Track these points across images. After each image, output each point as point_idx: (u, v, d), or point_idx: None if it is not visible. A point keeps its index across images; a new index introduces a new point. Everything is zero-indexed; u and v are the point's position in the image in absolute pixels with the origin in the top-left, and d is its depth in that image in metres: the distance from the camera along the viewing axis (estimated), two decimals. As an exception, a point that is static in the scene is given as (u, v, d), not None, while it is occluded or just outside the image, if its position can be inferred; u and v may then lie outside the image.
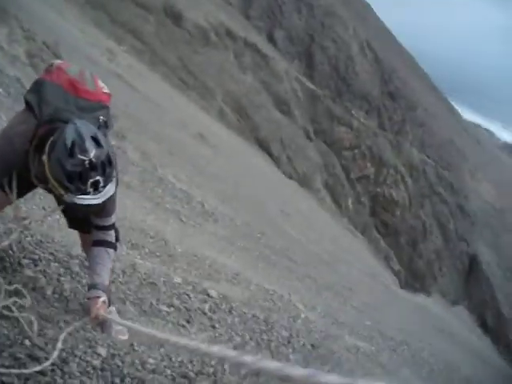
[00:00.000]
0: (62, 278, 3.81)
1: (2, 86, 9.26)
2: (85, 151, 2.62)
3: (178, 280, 5.43)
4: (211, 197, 13.13)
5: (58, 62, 3.36)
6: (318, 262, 15.90)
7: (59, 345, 2.96)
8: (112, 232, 3.36)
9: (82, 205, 2.69)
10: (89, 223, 3.28)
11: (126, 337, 3.74)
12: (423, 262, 37.34)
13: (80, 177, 2.61)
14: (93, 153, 2.64)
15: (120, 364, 3.31)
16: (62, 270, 3.93)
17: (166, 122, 19.98)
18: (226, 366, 4.06)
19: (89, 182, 2.63)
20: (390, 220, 37.25)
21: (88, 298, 3.26)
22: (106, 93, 3.31)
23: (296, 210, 23.91)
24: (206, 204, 11.56)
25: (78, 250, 4.05)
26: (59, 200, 3.00)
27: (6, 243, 3.27)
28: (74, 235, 3.83)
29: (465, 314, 38.23)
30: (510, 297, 41.15)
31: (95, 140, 2.71)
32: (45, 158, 2.71)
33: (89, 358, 3.21)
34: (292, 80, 38.08)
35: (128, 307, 4.17)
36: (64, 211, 3.35)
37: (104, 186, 2.72)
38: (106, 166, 2.71)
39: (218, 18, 33.46)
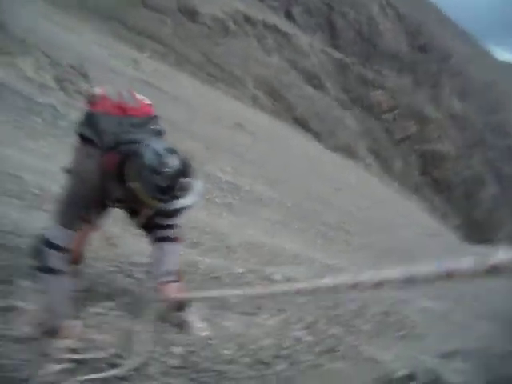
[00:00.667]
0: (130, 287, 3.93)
1: (36, 114, 9.49)
2: (166, 165, 2.83)
3: (239, 270, 5.46)
4: (258, 183, 13.15)
5: (97, 90, 3.43)
6: (375, 229, 15.74)
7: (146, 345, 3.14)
8: (176, 230, 3.54)
9: (180, 208, 2.94)
10: (155, 223, 3.45)
11: (206, 333, 3.85)
12: (482, 212, 36.50)
13: (170, 187, 2.84)
14: (173, 162, 2.87)
15: (197, 360, 3.38)
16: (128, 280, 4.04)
17: (200, 119, 20.06)
18: (301, 346, 4.09)
19: (178, 188, 2.86)
20: (441, 176, 36.55)
21: (160, 284, 3.36)
22: (148, 104, 3.46)
23: (344, 181, 23.71)
24: (254, 191, 11.61)
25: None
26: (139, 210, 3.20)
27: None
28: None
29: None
30: None
31: (168, 150, 2.93)
32: (134, 184, 2.90)
33: (166, 359, 3.30)
34: (318, 53, 37.69)
35: (193, 304, 4.23)
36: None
37: (192, 186, 2.96)
38: (186, 168, 2.95)
39: (234, 6, 33.34)
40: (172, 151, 2.96)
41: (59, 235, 3.05)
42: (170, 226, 3.50)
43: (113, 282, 4.25)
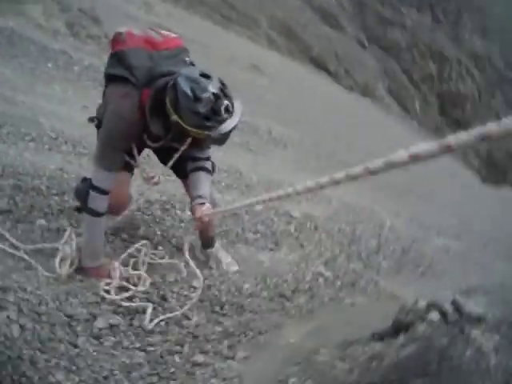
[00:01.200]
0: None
1: (50, 60, 9.41)
2: (205, 90, 2.80)
3: (259, 207, 5.45)
4: (277, 124, 13.02)
5: (123, 29, 3.35)
6: (395, 169, 15.66)
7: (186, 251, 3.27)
8: (209, 162, 3.54)
9: (229, 131, 2.89)
10: (187, 162, 3.48)
11: (236, 267, 3.95)
12: (502, 154, 36.08)
13: (214, 112, 2.81)
14: (210, 86, 2.83)
15: (217, 293, 3.42)
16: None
17: (215, 61, 19.76)
18: (321, 280, 4.09)
19: (222, 111, 2.83)
20: (461, 116, 36.00)
21: (194, 205, 3.32)
22: (176, 37, 3.44)
23: (363, 121, 23.46)
24: (273, 131, 11.51)
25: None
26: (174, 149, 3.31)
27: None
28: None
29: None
30: None
31: (203, 75, 2.90)
32: (175, 117, 2.86)
33: (186, 292, 3.32)
34: (334, -9, 36.66)
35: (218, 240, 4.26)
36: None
37: (233, 106, 2.91)
38: (224, 90, 2.91)
39: None
40: (207, 76, 2.92)
41: (101, 178, 3.09)
42: (205, 158, 3.50)
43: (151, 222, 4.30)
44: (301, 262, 4.40)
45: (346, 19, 35.68)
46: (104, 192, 3.10)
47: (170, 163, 3.44)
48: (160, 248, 3.89)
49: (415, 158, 1.19)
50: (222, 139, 2.96)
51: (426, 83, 36.29)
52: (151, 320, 2.99)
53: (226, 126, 2.86)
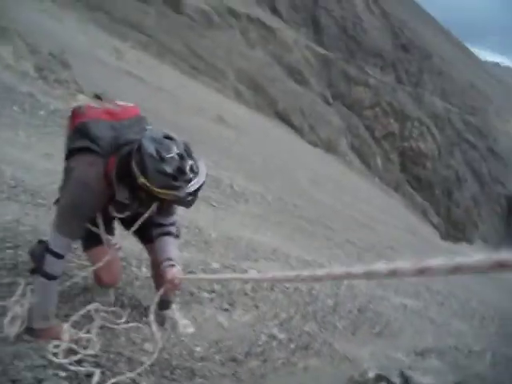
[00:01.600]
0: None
1: (16, 103, 9.35)
2: (169, 150, 2.83)
3: (216, 265, 5.43)
4: (240, 177, 13.09)
5: (81, 104, 3.44)
6: (356, 225, 15.82)
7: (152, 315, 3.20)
8: (174, 227, 3.49)
9: (196, 190, 2.89)
10: (151, 228, 3.44)
11: (192, 329, 3.90)
12: (461, 211, 36.88)
13: (180, 171, 2.81)
14: (174, 147, 2.86)
15: (168, 357, 3.35)
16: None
17: (182, 110, 19.97)
18: (275, 343, 4.07)
19: (188, 171, 2.84)
20: (421, 173, 36.83)
21: (164, 268, 3.28)
22: (133, 106, 3.48)
23: (326, 177, 23.78)
24: (235, 185, 11.53)
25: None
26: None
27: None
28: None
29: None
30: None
31: (167, 137, 2.93)
32: (142, 180, 2.84)
33: (136, 356, 3.26)
34: (302, 48, 37.66)
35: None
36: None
37: (197, 166, 2.93)
38: (188, 150, 2.94)
39: (218, -2, 33.17)
40: (170, 138, 2.94)
41: (59, 244, 3.04)
42: (170, 224, 3.45)
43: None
44: (255, 324, 4.38)
45: (312, 76, 36.55)
46: (61, 257, 3.06)
47: (133, 228, 3.37)
48: (114, 308, 3.80)
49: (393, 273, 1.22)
50: (189, 201, 2.95)
51: (388, 140, 37.16)
52: (99, 385, 2.91)
53: (193, 185, 2.86)
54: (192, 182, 2.86)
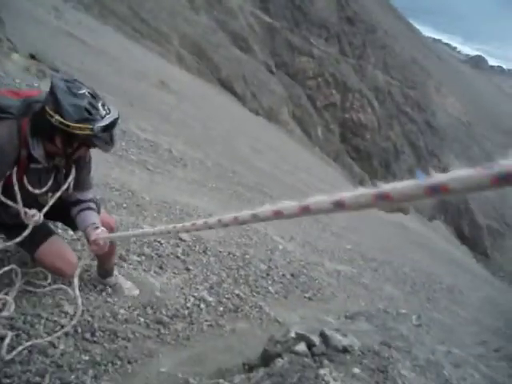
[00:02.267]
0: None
1: None
2: (80, 88, 2.89)
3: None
4: (179, 143, 12.89)
5: None
6: (294, 193, 15.89)
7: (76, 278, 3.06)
8: (93, 203, 3.41)
9: (112, 122, 2.90)
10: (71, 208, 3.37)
11: (137, 291, 3.89)
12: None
13: (92, 105, 2.85)
14: (84, 87, 2.93)
15: (89, 319, 3.24)
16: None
17: (124, 74, 19.43)
18: (203, 306, 4.01)
19: (100, 106, 2.89)
20: (361, 144, 37.45)
21: (87, 230, 3.18)
22: (36, 90, 3.50)
23: (267, 145, 23.77)
24: (173, 150, 11.33)
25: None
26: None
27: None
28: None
29: (442, 227, 39.09)
30: (483, 205, 42.17)
31: (72, 80, 2.97)
32: (57, 117, 2.81)
33: (56, 318, 3.13)
34: (247, 15, 37.26)
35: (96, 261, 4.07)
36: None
37: (108, 107, 2.96)
38: (96, 93, 2.97)
39: (163, -40, 32.26)
40: (78, 80, 2.98)
41: None
42: (90, 200, 3.40)
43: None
44: (184, 287, 4.30)
45: (256, 43, 36.28)
46: None
47: (53, 200, 3.22)
48: (35, 269, 3.63)
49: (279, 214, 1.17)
50: (105, 139, 2.92)
51: (329, 111, 37.49)
52: (11, 350, 2.77)
53: (107, 119, 2.87)
54: (106, 117, 2.87)
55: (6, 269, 3.26)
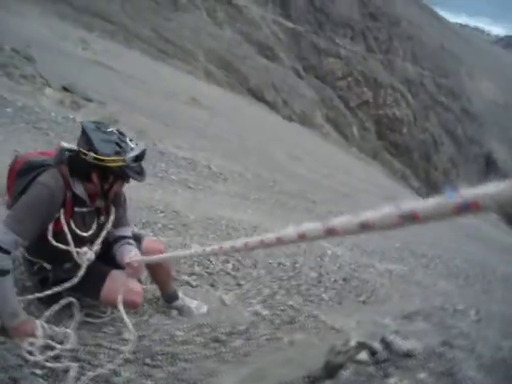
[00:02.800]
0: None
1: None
2: (107, 126, 3.21)
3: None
4: (217, 157, 12.99)
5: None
6: (337, 196, 15.82)
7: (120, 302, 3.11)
8: (132, 240, 3.57)
9: (141, 153, 3.17)
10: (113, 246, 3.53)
11: (206, 307, 4.09)
12: (440, 173, 37.21)
13: (121, 140, 3.14)
14: (110, 125, 3.26)
15: (149, 344, 3.26)
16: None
17: (155, 95, 19.72)
18: (258, 320, 4.00)
19: (127, 140, 3.18)
20: (398, 139, 36.99)
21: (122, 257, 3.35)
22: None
23: (304, 150, 23.72)
24: (212, 166, 11.42)
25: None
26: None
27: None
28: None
29: (490, 215, 38.14)
30: (531, 188, 40.91)
31: (100, 122, 3.34)
32: (91, 154, 3.06)
33: (117, 346, 3.16)
34: (270, 24, 37.41)
35: (149, 286, 4.12)
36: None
37: (134, 142, 3.26)
38: (121, 131, 3.26)
39: (182, -21, 32.63)
40: (103, 122, 3.35)
41: (8, 240, 2.95)
42: (130, 237, 3.56)
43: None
44: (238, 303, 4.31)
45: (281, 50, 36.36)
46: (7, 252, 2.96)
47: (100, 240, 3.42)
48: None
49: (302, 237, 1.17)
50: (137, 169, 3.18)
51: (363, 109, 37.21)
52: (78, 379, 2.82)
53: (136, 150, 3.15)
54: (134, 148, 3.14)
55: (64, 302, 3.32)
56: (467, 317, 4.86)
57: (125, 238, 3.52)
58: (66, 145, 3.34)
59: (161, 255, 3.45)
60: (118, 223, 3.50)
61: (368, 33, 42.30)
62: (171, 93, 22.05)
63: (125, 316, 3.10)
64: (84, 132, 3.11)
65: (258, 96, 31.35)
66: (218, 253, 1.69)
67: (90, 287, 3.36)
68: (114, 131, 3.16)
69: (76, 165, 3.16)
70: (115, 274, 3.42)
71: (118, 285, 3.24)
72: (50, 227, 3.15)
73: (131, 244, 3.47)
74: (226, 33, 34.42)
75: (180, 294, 4.00)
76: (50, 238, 3.15)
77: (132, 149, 3.13)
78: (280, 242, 1.26)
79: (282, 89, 32.63)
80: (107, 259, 3.54)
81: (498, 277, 10.80)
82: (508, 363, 2.88)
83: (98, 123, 3.20)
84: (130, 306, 3.37)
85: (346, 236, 1.06)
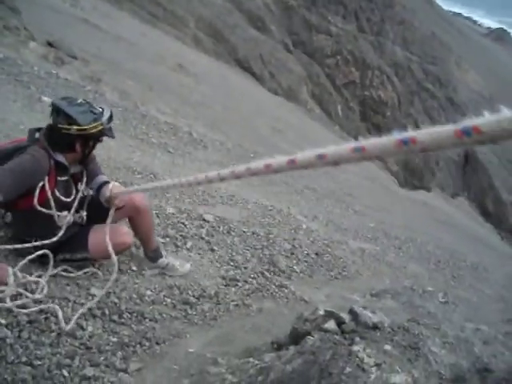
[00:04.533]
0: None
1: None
2: (75, 99, 3.46)
3: (170, 210, 5.32)
4: (199, 125, 12.89)
5: None
6: (315, 172, 15.82)
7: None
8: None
9: (111, 114, 3.52)
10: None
11: (189, 264, 4.19)
12: (420, 159, 37.41)
13: (92, 107, 3.44)
14: (77, 98, 3.53)
15: (116, 301, 3.24)
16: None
17: (142, 59, 19.42)
18: (229, 286, 4.00)
19: (95, 106, 3.48)
20: (381, 122, 37.05)
21: (102, 189, 3.62)
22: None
23: (287, 124, 23.66)
24: (194, 132, 11.33)
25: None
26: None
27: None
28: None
29: (465, 204, 38.67)
30: (507, 182, 41.53)
31: (66, 97, 3.54)
32: (74, 127, 3.32)
33: (83, 301, 3.14)
34: (263, -6, 36.90)
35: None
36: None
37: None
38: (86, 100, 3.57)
39: None
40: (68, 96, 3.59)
41: None
42: (107, 181, 3.75)
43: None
44: (210, 267, 4.30)
45: (272, 23, 35.96)
46: None
47: (75, 203, 3.60)
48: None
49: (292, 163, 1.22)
50: (111, 129, 3.54)
51: (349, 89, 37.12)
52: (42, 331, 2.80)
53: (107, 113, 3.48)
54: (104, 112, 3.47)
55: (40, 253, 3.31)
56: (435, 298, 4.93)
57: (105, 183, 3.69)
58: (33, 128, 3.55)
59: (141, 186, 3.62)
60: (93, 175, 3.77)
61: (361, 13, 42.02)
62: (158, 57, 21.73)
63: (114, 258, 3.21)
64: (60, 110, 3.33)
65: (245, 67, 31.05)
66: (195, 183, 1.72)
67: (78, 243, 3.54)
68: (83, 101, 3.45)
69: (58, 139, 3.40)
70: (98, 226, 3.56)
71: (103, 232, 3.36)
72: (36, 193, 3.29)
73: (108, 183, 3.65)
74: (218, 0, 33.89)
75: (164, 252, 4.09)
76: (35, 202, 3.29)
77: (102, 112, 3.45)
78: (248, 171, 1.29)
79: (270, 62, 32.36)
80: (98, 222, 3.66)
81: (468, 265, 10.97)
82: (470, 342, 2.94)
83: (67, 98, 3.44)
84: (121, 247, 3.52)
85: (306, 168, 1.10)
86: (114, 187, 3.47)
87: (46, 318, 2.91)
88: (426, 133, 0.94)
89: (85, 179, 3.68)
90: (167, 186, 2.32)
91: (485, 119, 0.84)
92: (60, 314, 2.91)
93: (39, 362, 2.60)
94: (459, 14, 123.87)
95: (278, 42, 35.12)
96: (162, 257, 4.00)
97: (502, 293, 10.74)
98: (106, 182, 3.67)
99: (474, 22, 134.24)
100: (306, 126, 28.31)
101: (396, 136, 0.93)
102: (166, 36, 28.05)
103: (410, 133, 0.91)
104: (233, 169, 1.45)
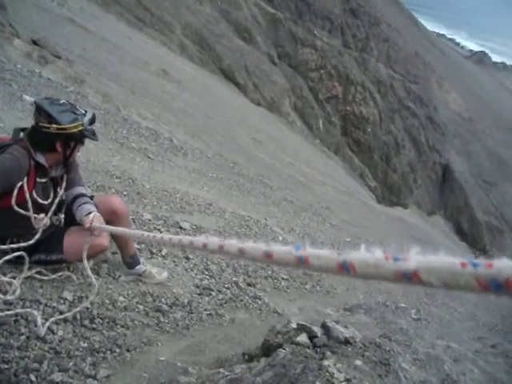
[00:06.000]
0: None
1: None
2: (58, 99, 3.48)
3: (147, 216, 5.29)
4: (180, 132, 12.86)
5: None
6: (294, 185, 15.88)
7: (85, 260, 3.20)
8: (88, 198, 3.72)
9: (93, 116, 3.52)
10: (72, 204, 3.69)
11: (166, 272, 4.15)
12: (398, 176, 37.79)
13: (74, 107, 3.45)
14: (60, 98, 3.53)
15: (89, 306, 3.21)
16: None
17: (126, 62, 19.36)
18: (202, 295, 3.99)
19: (78, 107, 3.48)
20: (362, 137, 37.35)
21: (82, 218, 3.47)
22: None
23: (267, 136, 23.72)
24: (174, 139, 11.30)
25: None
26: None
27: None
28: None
29: (441, 222, 39.15)
30: (482, 202, 42.19)
31: (49, 97, 3.57)
32: (54, 125, 3.31)
33: (55, 304, 3.11)
34: (251, 6, 37.07)
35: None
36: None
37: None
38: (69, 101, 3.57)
39: (167, -51, 32.02)
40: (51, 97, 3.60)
41: None
42: (85, 194, 3.75)
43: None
44: (183, 276, 4.28)
45: (259, 34, 36.12)
46: None
47: (53, 207, 3.57)
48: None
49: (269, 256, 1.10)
50: (93, 131, 3.53)
51: (331, 103, 37.38)
52: (11, 334, 2.75)
53: (89, 114, 3.48)
54: (86, 113, 3.47)
55: (16, 254, 3.27)
56: (407, 315, 4.97)
57: (81, 195, 3.68)
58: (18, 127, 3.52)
59: (121, 228, 3.50)
60: (72, 183, 3.74)
61: (347, 29, 42.42)
62: (143, 62, 21.68)
63: (89, 271, 3.17)
64: (41, 108, 3.33)
65: (229, 77, 31.08)
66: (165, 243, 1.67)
67: (53, 245, 3.48)
68: (66, 102, 3.45)
69: (39, 139, 3.38)
70: (73, 228, 3.55)
71: (79, 235, 3.39)
72: (15, 193, 3.26)
73: (89, 203, 3.60)
74: (206, 9, 33.93)
75: (142, 260, 4.07)
76: (12, 203, 3.25)
77: (84, 114, 3.45)
78: (221, 250, 1.22)
79: (254, 73, 32.44)
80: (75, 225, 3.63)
81: (441, 283, 11.06)
82: (440, 360, 2.97)
83: (49, 98, 3.45)
84: (97, 250, 3.47)
85: (282, 265, 1.05)
86: (95, 218, 3.40)
87: (15, 321, 2.87)
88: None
89: (64, 184, 3.65)
90: (142, 235, 2.28)
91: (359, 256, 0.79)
92: (39, 319, 2.88)
93: (6, 366, 2.56)
94: (443, 35, 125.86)
95: (263, 54, 35.28)
96: (139, 263, 3.98)
97: (474, 311, 10.86)
98: (82, 195, 3.67)
99: (457, 43, 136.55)
100: (287, 138, 28.42)
101: (338, 258, 0.84)
102: (152, 41, 28.01)
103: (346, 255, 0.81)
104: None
